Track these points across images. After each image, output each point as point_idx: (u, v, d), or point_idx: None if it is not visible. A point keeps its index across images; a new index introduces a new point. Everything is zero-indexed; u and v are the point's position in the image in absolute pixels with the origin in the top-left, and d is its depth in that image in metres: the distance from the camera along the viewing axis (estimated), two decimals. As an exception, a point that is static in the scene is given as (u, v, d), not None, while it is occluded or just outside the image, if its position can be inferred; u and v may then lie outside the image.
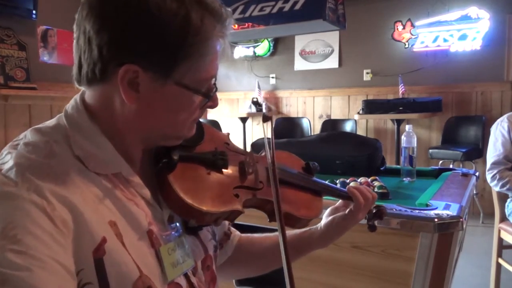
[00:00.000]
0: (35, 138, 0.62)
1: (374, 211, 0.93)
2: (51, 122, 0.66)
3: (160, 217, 0.69)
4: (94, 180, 0.62)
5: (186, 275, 0.70)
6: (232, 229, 0.96)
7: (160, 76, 0.62)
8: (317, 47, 5.46)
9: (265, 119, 0.79)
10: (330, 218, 0.92)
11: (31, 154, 0.59)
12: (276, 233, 0.92)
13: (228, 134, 0.86)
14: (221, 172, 0.75)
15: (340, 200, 0.95)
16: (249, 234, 0.99)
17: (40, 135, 0.63)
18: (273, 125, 0.81)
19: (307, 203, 0.89)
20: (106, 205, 0.62)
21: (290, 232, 0.93)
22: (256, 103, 5.60)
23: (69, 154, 0.62)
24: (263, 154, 0.88)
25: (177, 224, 0.72)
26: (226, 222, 0.93)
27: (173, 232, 0.70)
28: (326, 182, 0.97)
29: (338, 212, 0.92)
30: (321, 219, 0.94)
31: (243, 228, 1.01)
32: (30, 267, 0.50)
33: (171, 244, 0.68)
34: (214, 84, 0.70)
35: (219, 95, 0.73)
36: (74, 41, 0.65)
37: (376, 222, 0.94)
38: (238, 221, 0.81)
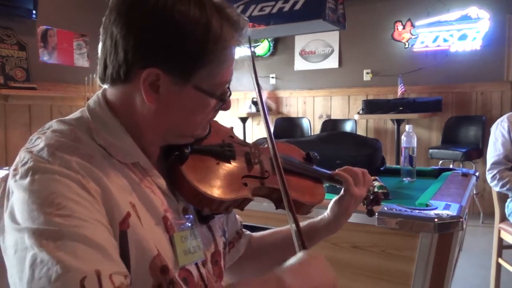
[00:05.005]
0: (61, 127, 0.66)
1: (371, 197, 0.98)
2: (74, 115, 0.70)
3: (176, 207, 0.73)
4: (116, 165, 0.66)
5: (196, 265, 0.73)
6: (244, 229, 0.99)
7: (179, 80, 0.66)
8: (317, 47, 5.46)
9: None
10: (332, 203, 0.96)
11: (59, 138, 0.64)
12: (287, 226, 0.94)
13: (232, 128, 0.90)
14: (229, 163, 0.79)
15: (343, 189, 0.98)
16: (260, 232, 1.01)
17: (66, 124, 0.67)
18: (255, 65, 0.79)
19: (311, 189, 0.92)
20: (126, 188, 0.65)
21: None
22: (256, 103, 5.60)
23: (93, 142, 0.66)
24: (265, 146, 0.91)
25: (191, 216, 0.75)
26: (239, 222, 0.97)
27: (187, 223, 0.73)
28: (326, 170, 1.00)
29: None
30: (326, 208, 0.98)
31: (244, 228, 1.00)
32: (79, 225, 0.55)
33: (184, 232, 0.72)
34: (228, 88, 0.74)
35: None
36: (100, 43, 0.68)
37: (374, 208, 0.99)
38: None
